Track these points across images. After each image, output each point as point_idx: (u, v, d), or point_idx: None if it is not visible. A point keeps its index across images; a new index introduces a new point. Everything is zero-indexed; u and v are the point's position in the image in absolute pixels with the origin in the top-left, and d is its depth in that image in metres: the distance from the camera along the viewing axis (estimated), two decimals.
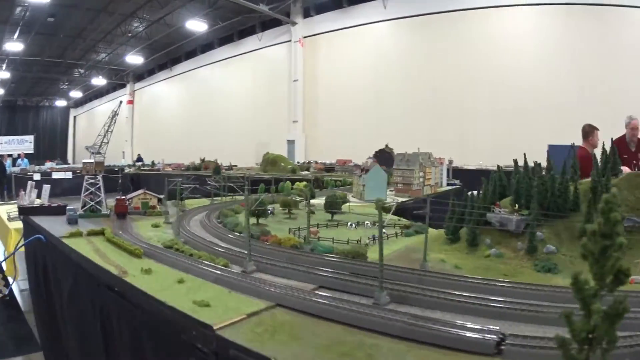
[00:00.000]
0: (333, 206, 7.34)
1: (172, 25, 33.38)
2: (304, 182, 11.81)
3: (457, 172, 17.62)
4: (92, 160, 7.01)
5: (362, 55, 29.06)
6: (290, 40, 31.82)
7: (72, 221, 6.28)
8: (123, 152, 46.21)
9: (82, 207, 6.83)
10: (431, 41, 26.18)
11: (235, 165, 26.56)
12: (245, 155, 31.14)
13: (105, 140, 6.97)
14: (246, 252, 4.10)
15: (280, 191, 10.86)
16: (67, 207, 6.73)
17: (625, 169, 8.46)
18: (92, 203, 6.87)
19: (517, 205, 4.56)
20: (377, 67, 28.32)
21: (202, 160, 25.07)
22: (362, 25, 28.99)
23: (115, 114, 6.99)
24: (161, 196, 7.76)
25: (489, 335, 2.33)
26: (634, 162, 9.87)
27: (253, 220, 6.48)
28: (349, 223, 6.46)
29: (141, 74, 47.79)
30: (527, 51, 23.02)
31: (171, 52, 40.22)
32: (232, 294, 3.35)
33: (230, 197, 9.39)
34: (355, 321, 2.70)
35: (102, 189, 7.00)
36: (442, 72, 25.39)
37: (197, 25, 32.77)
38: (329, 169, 20.57)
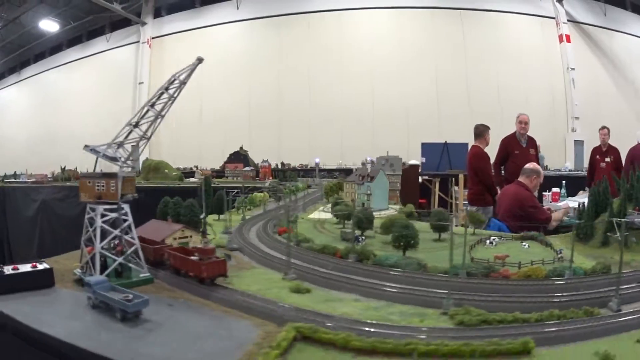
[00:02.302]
0: (442, 222, 5.11)
1: (26, 25, 28.58)
2: (264, 193, 9.28)
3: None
4: (111, 174, 3.42)
5: (212, 56, 25.31)
6: (138, 41, 27.87)
7: (130, 313, 2.62)
8: None
9: (102, 270, 3.24)
10: (285, 42, 24.48)
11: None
12: (89, 163, 26.13)
13: (147, 133, 3.35)
14: None
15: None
16: (89, 279, 2.96)
17: (535, 165, 8.28)
18: (120, 259, 3.33)
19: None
20: (226, 68, 25.50)
21: (63, 170, 20.32)
22: (214, 26, 26.58)
23: (180, 84, 3.30)
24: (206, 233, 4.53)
25: None
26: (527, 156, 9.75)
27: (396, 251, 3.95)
28: (487, 240, 4.86)
29: None
30: (390, 53, 22.47)
31: (22, 55, 34.12)
32: None
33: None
34: None
35: (133, 228, 3.48)
36: (296, 73, 23.86)
37: (49, 25, 28.40)
38: (219, 174, 17.89)
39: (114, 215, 3.41)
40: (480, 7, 21.89)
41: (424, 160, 14.27)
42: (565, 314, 2.55)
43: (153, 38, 27.78)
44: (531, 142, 10.23)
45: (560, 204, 8.69)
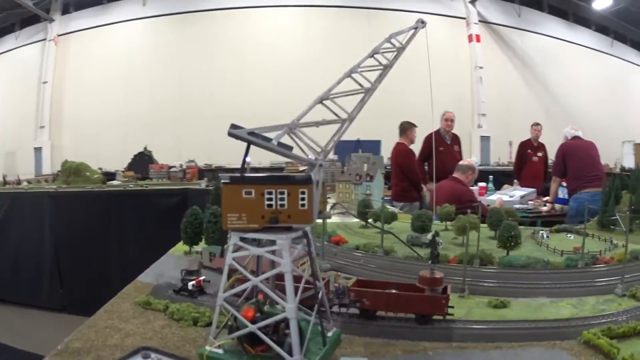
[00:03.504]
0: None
1: None
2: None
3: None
4: (297, 178, 1.93)
5: (117, 55, 24.92)
6: (45, 39, 25.73)
7: None
8: None
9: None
10: (189, 40, 23.78)
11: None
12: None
13: (352, 112, 2.22)
14: None
15: None
16: None
17: (470, 162, 8.75)
18: (313, 318, 2.00)
19: None
20: (131, 68, 24.61)
21: None
22: (119, 23, 25.27)
23: (398, 50, 2.44)
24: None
25: None
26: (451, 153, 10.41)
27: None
28: (542, 234, 5.03)
29: None
30: (295, 51, 22.43)
31: None
32: None
33: None
34: None
35: (317, 265, 2.14)
36: (200, 71, 23.31)
37: None
38: (144, 176, 16.60)
39: (299, 248, 2.06)
40: (389, 6, 22.45)
41: (336, 157, 14.52)
42: None
43: (59, 35, 25.76)
44: (455, 139, 10.69)
45: (494, 197, 9.14)
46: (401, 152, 10.17)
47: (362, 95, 2.27)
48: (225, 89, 22.75)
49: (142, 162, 17.53)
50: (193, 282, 2.93)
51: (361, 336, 2.35)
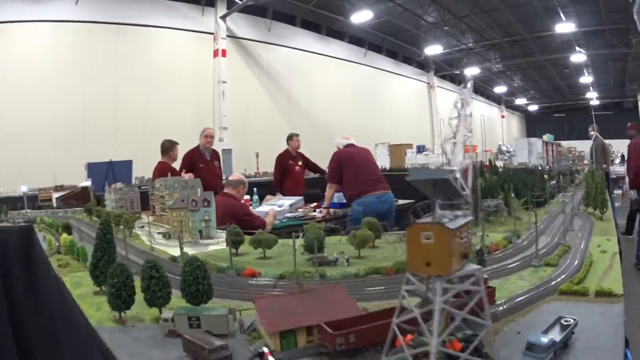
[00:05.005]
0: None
1: None
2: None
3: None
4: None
5: None
6: None
7: None
8: None
9: None
10: None
11: None
12: None
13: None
14: None
15: None
16: None
17: (240, 176, 9.34)
18: None
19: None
20: None
21: None
22: None
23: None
24: None
25: None
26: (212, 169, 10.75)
27: None
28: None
29: None
30: (45, 70, 20.11)
31: None
32: None
33: None
34: None
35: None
36: None
37: None
38: None
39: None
40: (138, 22, 21.86)
41: (90, 181, 14.20)
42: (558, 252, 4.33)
43: None
44: (215, 154, 10.92)
45: (264, 209, 9.22)
46: (164, 170, 9.59)
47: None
48: None
49: None
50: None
51: None
